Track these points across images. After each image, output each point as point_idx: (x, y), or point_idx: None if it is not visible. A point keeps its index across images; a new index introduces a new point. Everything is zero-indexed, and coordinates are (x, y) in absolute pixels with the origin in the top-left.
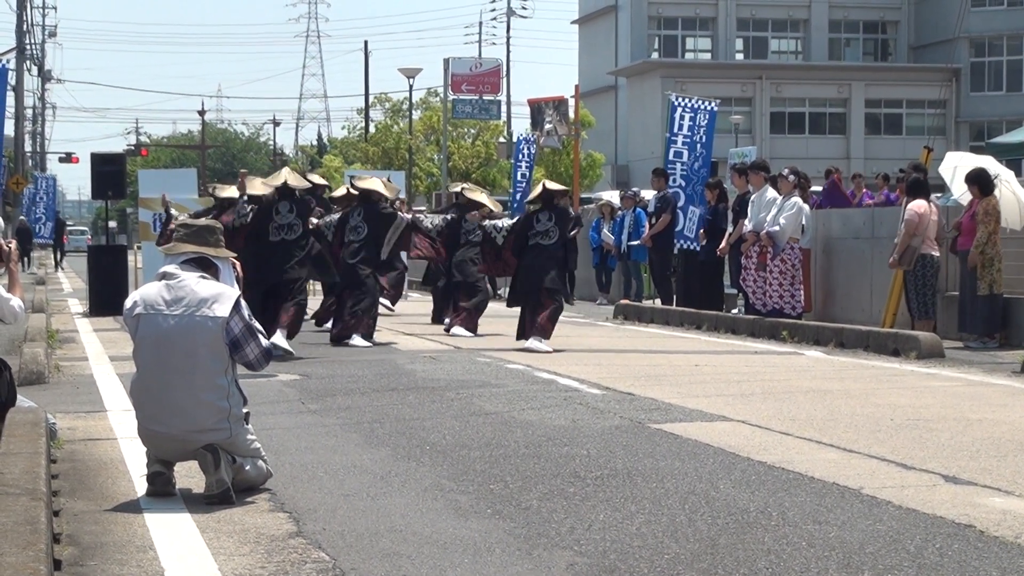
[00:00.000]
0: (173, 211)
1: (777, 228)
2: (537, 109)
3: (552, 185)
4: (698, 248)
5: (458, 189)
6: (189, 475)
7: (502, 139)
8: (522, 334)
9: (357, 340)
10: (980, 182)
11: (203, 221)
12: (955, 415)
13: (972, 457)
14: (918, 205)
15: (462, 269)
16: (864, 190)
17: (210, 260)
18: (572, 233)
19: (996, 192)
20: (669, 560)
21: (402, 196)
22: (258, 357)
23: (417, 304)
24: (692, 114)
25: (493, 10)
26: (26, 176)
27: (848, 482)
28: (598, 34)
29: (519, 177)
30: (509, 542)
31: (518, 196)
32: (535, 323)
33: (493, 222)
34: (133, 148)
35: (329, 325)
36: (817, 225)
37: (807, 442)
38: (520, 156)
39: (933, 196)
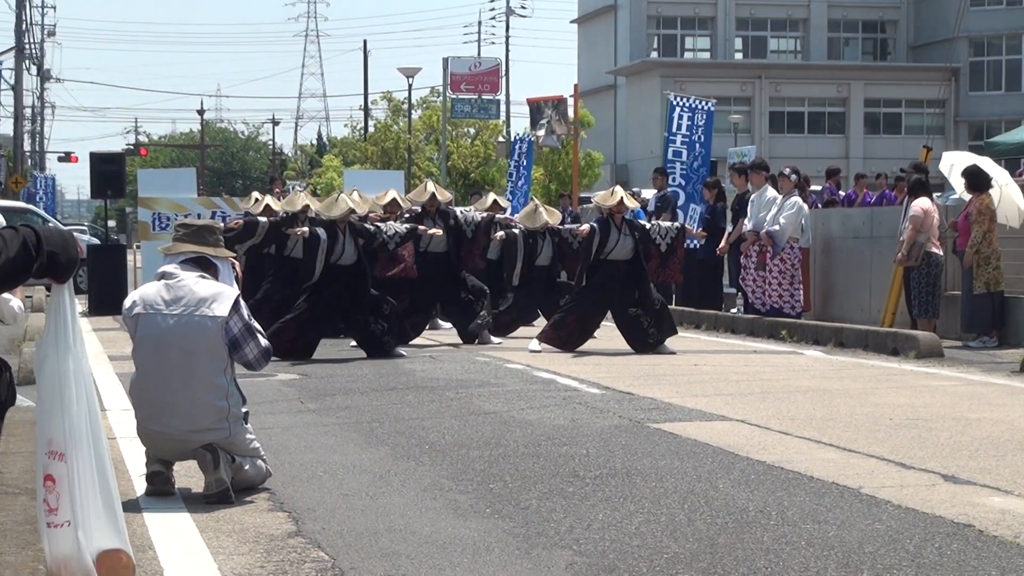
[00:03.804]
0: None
1: (777, 228)
2: (536, 108)
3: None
4: (697, 247)
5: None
6: (188, 475)
7: (501, 139)
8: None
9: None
10: (974, 179)
11: (202, 221)
12: (954, 414)
13: (971, 456)
14: (923, 202)
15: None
16: (865, 191)
17: (209, 260)
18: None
19: (993, 191)
20: (668, 559)
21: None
22: (257, 357)
23: None
24: (690, 113)
25: (492, 9)
26: (25, 175)
27: (847, 481)
28: (597, 33)
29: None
30: (508, 541)
31: (508, 194)
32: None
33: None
34: (132, 147)
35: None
36: (816, 224)
37: (806, 441)
38: (514, 155)
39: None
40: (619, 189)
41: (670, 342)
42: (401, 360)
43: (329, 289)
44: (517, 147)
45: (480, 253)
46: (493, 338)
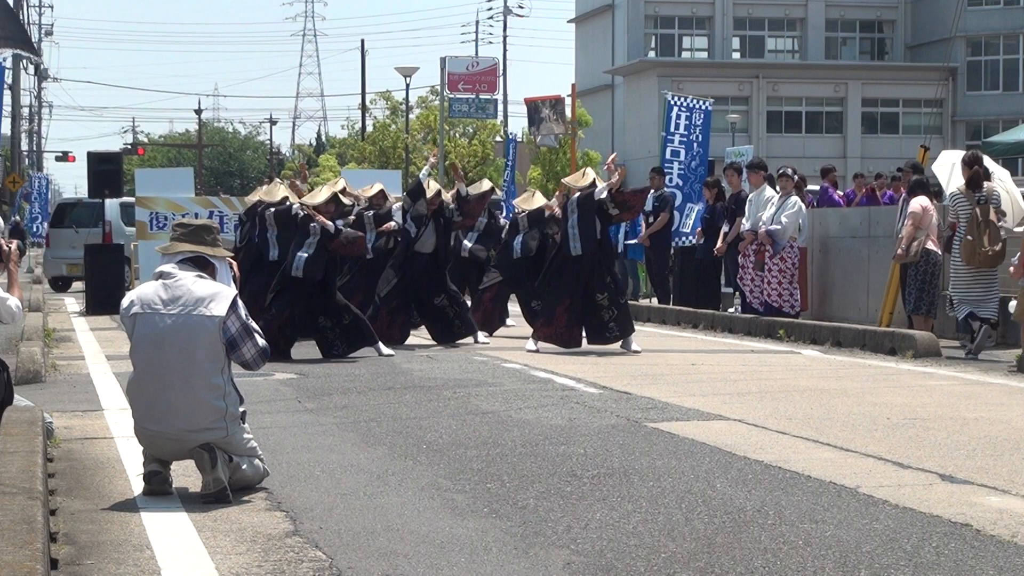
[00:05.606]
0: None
1: (779, 227)
2: (534, 108)
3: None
4: (695, 245)
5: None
6: (186, 474)
7: (499, 138)
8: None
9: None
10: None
11: (200, 220)
12: (951, 414)
13: (968, 456)
14: (922, 200)
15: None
16: (864, 190)
17: (207, 259)
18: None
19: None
20: (666, 559)
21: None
22: (255, 356)
23: None
24: (688, 113)
25: (490, 9)
26: (22, 175)
27: (845, 481)
28: (595, 33)
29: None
30: (506, 541)
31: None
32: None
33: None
34: (130, 147)
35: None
36: (814, 224)
37: (804, 441)
38: (507, 154)
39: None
40: (590, 171)
41: (634, 341)
42: (398, 359)
43: (303, 285)
44: (510, 147)
45: (476, 214)
46: (482, 337)
